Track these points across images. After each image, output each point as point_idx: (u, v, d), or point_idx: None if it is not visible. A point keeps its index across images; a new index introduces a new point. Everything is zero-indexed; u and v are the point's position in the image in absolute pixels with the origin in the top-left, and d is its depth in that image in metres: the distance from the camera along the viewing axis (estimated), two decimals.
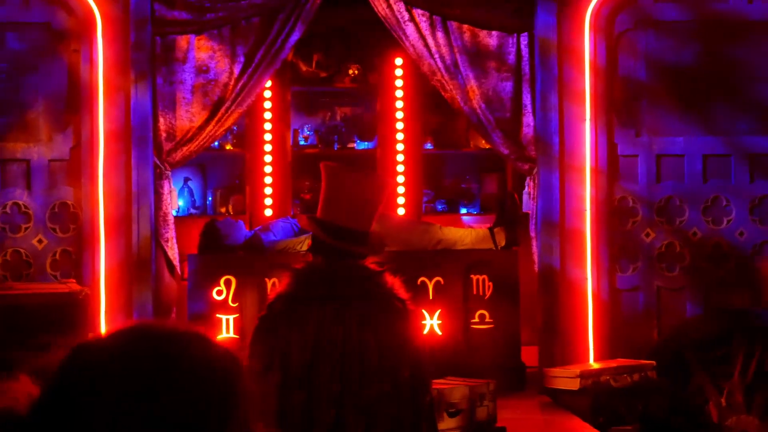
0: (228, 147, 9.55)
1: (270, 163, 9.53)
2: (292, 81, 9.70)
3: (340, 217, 4.14)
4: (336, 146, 9.90)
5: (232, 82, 8.15)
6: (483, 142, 9.86)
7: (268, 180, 9.52)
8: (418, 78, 9.70)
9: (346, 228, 4.13)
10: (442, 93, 8.28)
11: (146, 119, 8.03)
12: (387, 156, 9.68)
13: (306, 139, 9.88)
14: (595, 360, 7.91)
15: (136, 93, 8.00)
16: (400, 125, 9.72)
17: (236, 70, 8.15)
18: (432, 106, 9.85)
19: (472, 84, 8.15)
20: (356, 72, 9.85)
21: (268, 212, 9.47)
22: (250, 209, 9.56)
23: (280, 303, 4.15)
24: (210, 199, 9.76)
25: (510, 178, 9.81)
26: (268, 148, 9.52)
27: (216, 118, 8.14)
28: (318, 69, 9.83)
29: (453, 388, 6.13)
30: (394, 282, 4.12)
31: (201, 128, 8.14)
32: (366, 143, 9.87)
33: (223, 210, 9.64)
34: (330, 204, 4.19)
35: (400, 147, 9.69)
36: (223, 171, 9.90)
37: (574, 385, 7.35)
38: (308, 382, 3.98)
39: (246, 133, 9.54)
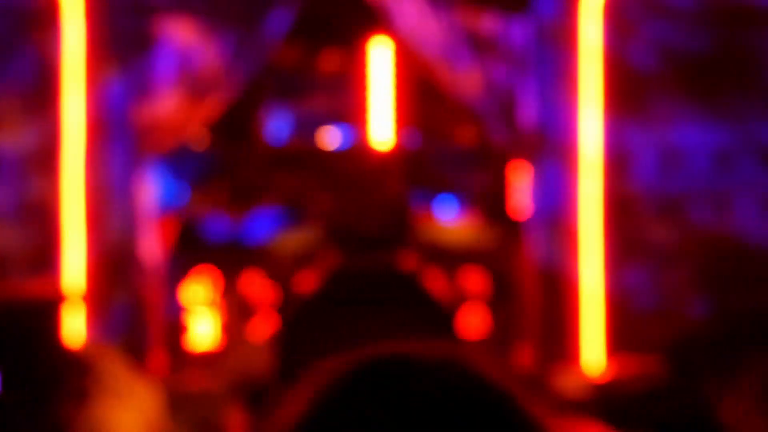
0: (202, 140, 9.03)
1: (246, 157, 9.07)
2: (266, 70, 9.21)
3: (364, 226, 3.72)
4: (313, 138, 9.49)
5: (215, 69, 7.65)
6: (471, 136, 9.51)
7: (245, 174, 9.06)
8: (400, 69, 9.32)
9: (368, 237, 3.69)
10: (439, 81, 7.84)
11: (123, 107, 7.53)
12: (369, 146, 9.26)
13: (281, 131, 9.44)
14: (600, 362, 7.54)
15: (111, 79, 7.49)
16: (383, 115, 9.31)
17: (221, 57, 7.66)
18: (418, 96, 9.47)
19: (471, 71, 7.72)
20: (334, 61, 9.43)
21: (245, 207, 9.01)
22: (226, 205, 9.10)
23: (304, 308, 3.70)
24: (184, 194, 9.29)
25: (499, 172, 9.45)
26: (245, 140, 9.06)
27: (198, 106, 7.64)
28: (294, 58, 9.40)
29: None
30: (435, 282, 3.69)
31: (183, 118, 7.63)
32: (346, 133, 9.46)
33: (197, 206, 9.18)
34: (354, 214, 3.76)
35: (381, 137, 9.25)
36: (197, 165, 9.44)
37: (583, 387, 7.01)
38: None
39: (221, 125, 9.03)
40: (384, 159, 8.83)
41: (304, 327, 3.66)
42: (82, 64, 7.46)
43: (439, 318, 3.64)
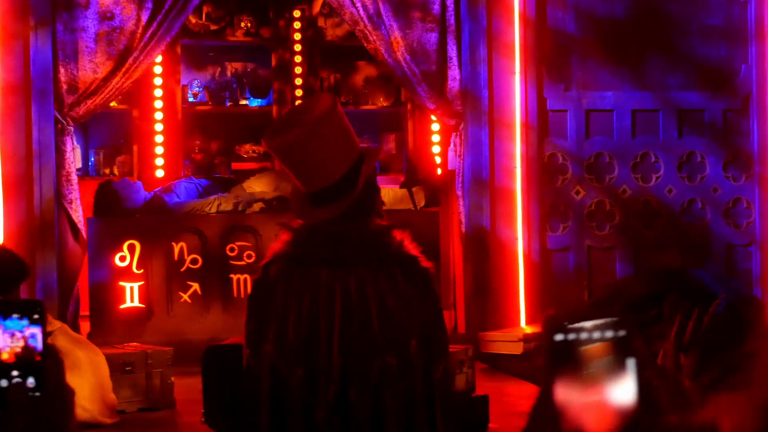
0: (112, 104, 8.82)
1: (160, 121, 8.90)
2: (180, 34, 9.05)
3: (309, 183, 3.65)
4: (228, 103, 9.36)
5: (140, 30, 7.51)
6: (381, 100, 9.50)
7: (158, 139, 8.89)
8: (315, 32, 9.26)
9: (318, 191, 3.63)
10: (365, 44, 7.82)
11: (47, 70, 7.34)
12: (283, 113, 9.15)
13: (195, 95, 9.30)
14: (528, 323, 7.62)
15: (35, 41, 7.30)
16: (298, 81, 9.25)
17: (144, 17, 7.52)
18: (329, 61, 9.43)
19: (396, 35, 7.73)
20: (249, 25, 9.31)
21: (159, 173, 8.84)
22: (138, 170, 8.92)
23: (277, 266, 3.63)
24: (92, 159, 9.08)
25: (410, 137, 9.47)
26: (158, 104, 8.88)
27: (123, 70, 7.50)
28: (208, 21, 9.24)
29: None
30: (404, 238, 3.65)
31: (106, 80, 7.48)
32: (259, 100, 9.35)
33: (107, 171, 8.99)
34: (296, 175, 3.69)
35: (297, 103, 9.17)
36: (107, 130, 9.23)
37: (517, 349, 7.08)
38: (306, 356, 3.49)
39: (133, 89, 8.82)
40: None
41: (265, 285, 3.59)
42: (6, 24, 7.24)
43: (397, 272, 3.58)
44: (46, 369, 1.89)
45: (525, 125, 7.74)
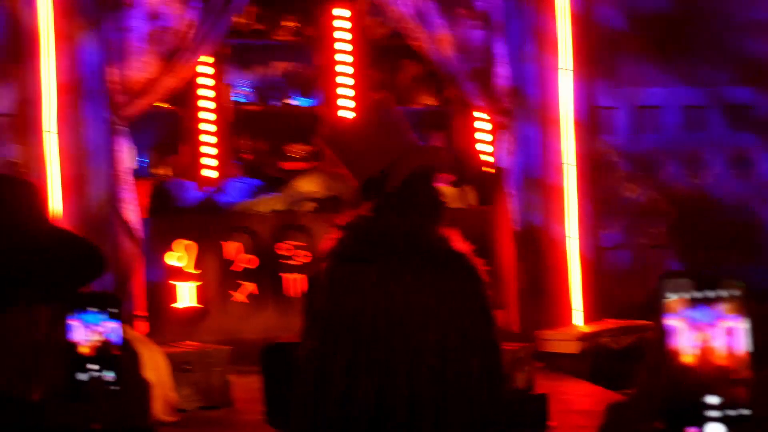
0: (162, 104, 8.85)
1: (209, 122, 8.93)
2: (227, 34, 9.07)
3: (357, 173, 3.69)
4: (275, 103, 9.39)
5: (187, 30, 7.55)
6: (427, 98, 9.49)
7: (208, 139, 8.91)
8: (361, 31, 9.28)
9: (365, 183, 3.67)
10: (411, 42, 7.82)
11: (98, 71, 7.38)
12: (330, 112, 9.15)
13: (243, 95, 9.32)
14: (582, 321, 7.60)
15: (85, 42, 7.35)
16: (342, 80, 9.27)
17: (191, 17, 7.55)
18: (375, 60, 9.44)
19: (443, 32, 7.73)
20: (294, 25, 9.34)
21: (210, 173, 8.86)
22: (189, 171, 8.94)
23: (325, 263, 3.67)
24: (143, 160, 9.11)
25: (457, 136, 9.45)
26: (206, 105, 8.91)
27: (171, 69, 7.53)
28: (254, 21, 9.28)
29: None
30: (450, 235, 3.64)
31: (155, 79, 7.52)
32: (307, 100, 9.38)
33: (158, 172, 9.01)
34: (346, 165, 3.73)
35: (343, 103, 9.18)
36: (157, 130, 9.26)
37: (575, 348, 7.05)
38: (345, 351, 3.52)
39: (182, 89, 8.84)
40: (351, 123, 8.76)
41: (316, 281, 3.63)
42: (54, 27, 7.29)
43: (443, 268, 3.59)
44: (124, 363, 1.91)
45: (575, 122, 7.72)
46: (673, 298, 1.27)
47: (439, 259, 3.59)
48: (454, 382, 3.53)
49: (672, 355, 1.26)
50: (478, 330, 3.59)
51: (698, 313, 1.27)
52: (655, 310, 1.28)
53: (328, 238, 3.71)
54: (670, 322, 1.27)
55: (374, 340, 3.54)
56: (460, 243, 3.64)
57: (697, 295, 1.27)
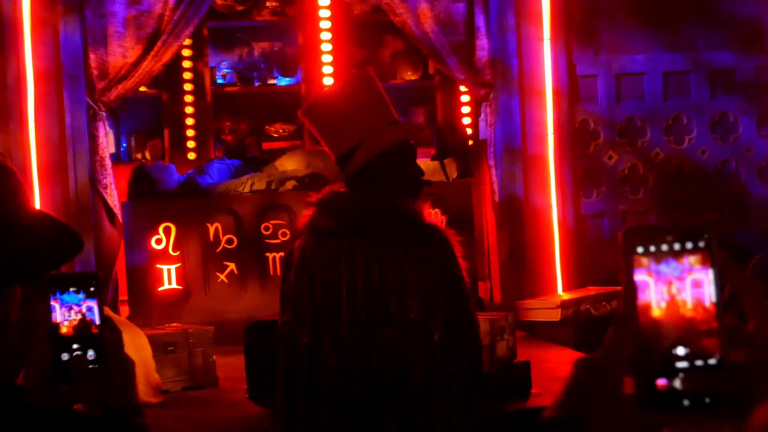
0: (142, 88, 8.84)
1: (190, 104, 8.93)
2: (207, 16, 9.05)
3: (333, 146, 3.68)
4: (256, 83, 9.37)
5: (167, 13, 7.54)
6: (409, 73, 9.48)
7: (189, 122, 8.92)
8: (342, 8, 9.25)
9: (340, 156, 3.66)
10: (392, 17, 7.81)
11: (77, 56, 7.38)
12: (312, 91, 9.14)
13: (224, 77, 9.31)
14: (564, 290, 7.61)
15: (64, 27, 7.34)
16: (326, 58, 9.25)
17: (171, 0, 7.53)
18: (357, 37, 9.41)
19: (424, 6, 7.72)
20: (275, 4, 9.31)
21: (191, 155, 8.87)
22: (170, 153, 8.94)
23: (299, 240, 3.67)
24: (124, 144, 9.11)
25: (439, 109, 9.45)
26: (187, 87, 8.91)
27: (152, 53, 7.53)
28: (234, 2, 9.25)
29: None
30: (423, 207, 3.62)
31: (136, 64, 7.52)
32: (288, 79, 9.36)
33: (139, 156, 9.01)
34: (322, 138, 3.72)
35: (326, 81, 9.17)
36: (138, 114, 9.25)
37: (555, 316, 7.05)
38: (313, 324, 3.53)
39: (162, 73, 8.84)
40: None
41: (288, 258, 3.63)
42: (33, 13, 7.28)
43: (412, 241, 3.58)
44: (104, 341, 1.91)
45: (555, 92, 7.71)
46: (639, 252, 1.26)
47: (411, 231, 3.58)
48: (431, 354, 3.52)
49: (640, 310, 1.26)
50: (452, 300, 3.58)
51: (665, 267, 1.26)
52: (622, 266, 1.27)
53: (303, 216, 3.71)
54: (638, 277, 1.26)
55: (349, 313, 3.54)
56: (432, 215, 3.63)
57: (664, 248, 1.26)
